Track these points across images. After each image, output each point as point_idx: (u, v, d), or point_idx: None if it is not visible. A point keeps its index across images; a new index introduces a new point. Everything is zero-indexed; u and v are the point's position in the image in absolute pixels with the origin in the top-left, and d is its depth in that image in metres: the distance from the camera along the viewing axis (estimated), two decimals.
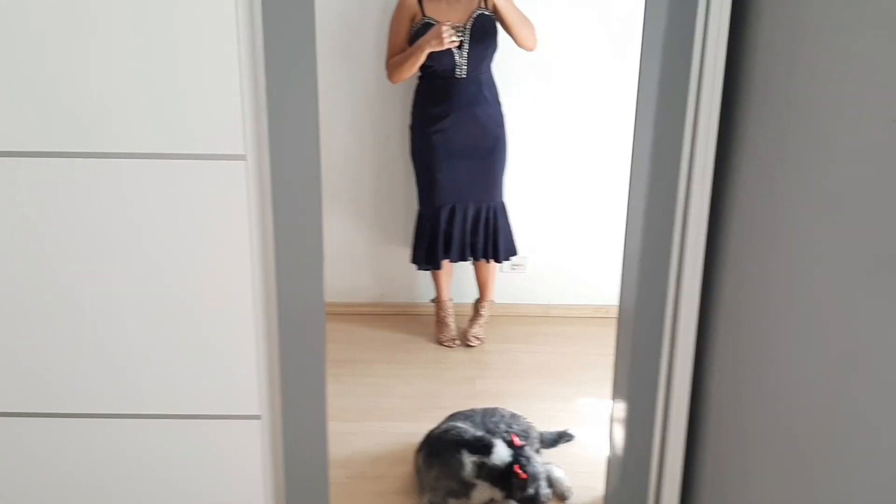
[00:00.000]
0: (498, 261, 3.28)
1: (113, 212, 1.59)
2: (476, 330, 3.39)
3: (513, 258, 3.36)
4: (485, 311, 3.42)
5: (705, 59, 1.60)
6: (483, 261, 3.28)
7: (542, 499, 2.27)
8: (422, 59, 2.93)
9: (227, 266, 1.64)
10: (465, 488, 2.24)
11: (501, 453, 2.25)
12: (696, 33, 1.60)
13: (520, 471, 2.21)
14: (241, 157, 1.57)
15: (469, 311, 3.49)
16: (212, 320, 1.67)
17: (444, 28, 2.87)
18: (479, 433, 2.33)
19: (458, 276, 3.44)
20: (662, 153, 1.69)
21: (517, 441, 2.31)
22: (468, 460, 2.24)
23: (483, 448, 2.26)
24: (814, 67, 1.33)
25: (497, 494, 2.26)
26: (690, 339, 1.78)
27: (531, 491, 2.23)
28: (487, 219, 3.19)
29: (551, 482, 2.37)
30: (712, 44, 1.58)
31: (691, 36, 1.60)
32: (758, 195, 1.55)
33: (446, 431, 2.35)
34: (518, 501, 2.24)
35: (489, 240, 3.22)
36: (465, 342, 3.36)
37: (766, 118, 1.52)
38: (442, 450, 2.30)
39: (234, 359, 1.70)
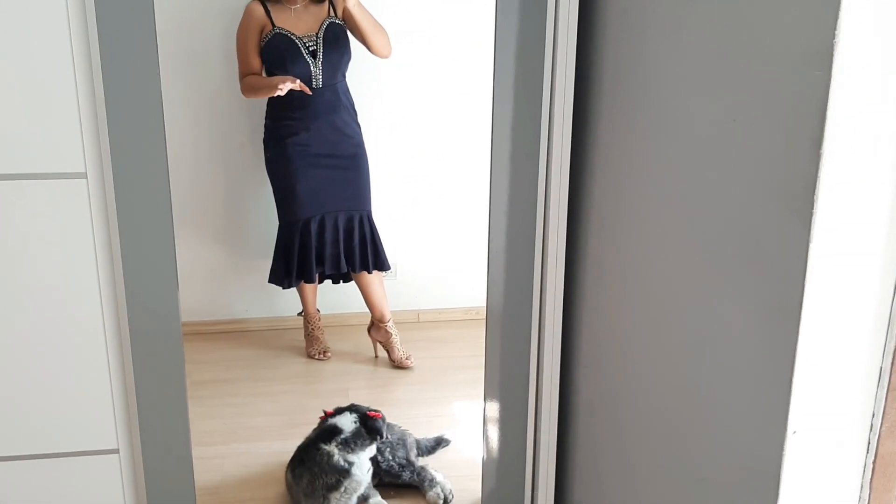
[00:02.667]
0: (382, 269, 3.21)
1: None
2: (399, 352, 3.26)
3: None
4: (394, 328, 3.30)
5: (556, 62, 1.63)
6: (364, 273, 3.18)
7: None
8: (273, 93, 2.86)
9: (71, 291, 1.56)
10: (343, 474, 2.23)
11: (347, 421, 2.31)
12: (546, 37, 1.63)
13: (373, 413, 2.33)
14: (81, 175, 1.50)
15: (335, 322, 3.42)
16: (59, 350, 1.59)
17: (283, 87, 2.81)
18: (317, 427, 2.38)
19: (325, 287, 3.38)
20: (520, 156, 1.72)
21: (329, 411, 2.40)
22: (331, 448, 2.26)
23: (333, 431, 2.29)
24: (659, 68, 1.38)
25: (373, 449, 2.32)
26: (557, 336, 1.82)
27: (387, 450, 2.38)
28: (362, 227, 3.12)
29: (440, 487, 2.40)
30: (562, 46, 1.62)
31: (542, 40, 1.63)
32: (612, 193, 1.60)
33: (305, 442, 2.37)
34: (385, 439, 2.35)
35: (367, 249, 3.15)
36: (402, 366, 3.26)
37: (617, 118, 1.56)
38: (305, 456, 2.31)
39: (86, 390, 1.62)
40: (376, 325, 3.26)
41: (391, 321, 3.26)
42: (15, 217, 1.49)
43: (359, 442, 2.28)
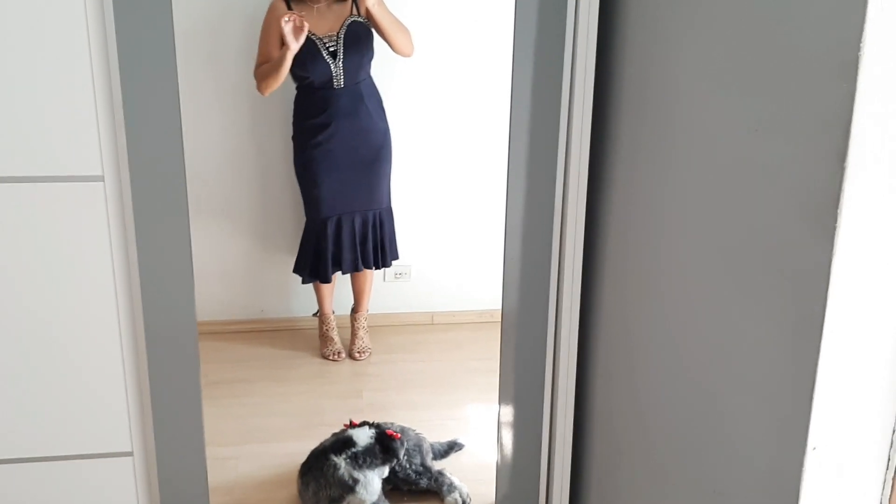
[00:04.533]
0: (386, 265, 3.25)
1: None
2: (361, 343, 3.33)
3: (397, 268, 3.33)
4: (365, 322, 3.37)
5: (576, 65, 1.62)
6: (363, 269, 3.22)
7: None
8: (286, 64, 2.83)
9: (88, 294, 1.56)
10: (346, 489, 2.22)
11: (363, 435, 2.30)
12: (566, 40, 1.62)
13: (392, 433, 2.31)
14: (99, 178, 1.50)
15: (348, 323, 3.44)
16: (74, 352, 1.59)
17: (285, 26, 2.77)
18: (337, 433, 2.37)
19: (341, 288, 3.38)
20: (538, 158, 1.71)
21: (355, 422, 2.39)
22: (339, 460, 2.25)
23: (346, 442, 2.29)
24: (681, 76, 1.36)
25: (384, 471, 2.30)
26: (573, 340, 1.80)
27: (403, 457, 2.34)
28: (374, 227, 3.16)
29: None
30: (582, 49, 1.61)
31: (562, 42, 1.62)
32: (631, 198, 1.59)
33: (316, 449, 2.37)
34: (400, 467, 2.35)
35: (378, 248, 3.19)
36: (353, 357, 3.30)
37: (636, 123, 1.55)
38: (313, 465, 2.30)
39: (101, 391, 1.62)
40: (354, 313, 3.39)
41: (366, 315, 3.37)
42: (32, 219, 1.49)
43: (369, 459, 2.25)
